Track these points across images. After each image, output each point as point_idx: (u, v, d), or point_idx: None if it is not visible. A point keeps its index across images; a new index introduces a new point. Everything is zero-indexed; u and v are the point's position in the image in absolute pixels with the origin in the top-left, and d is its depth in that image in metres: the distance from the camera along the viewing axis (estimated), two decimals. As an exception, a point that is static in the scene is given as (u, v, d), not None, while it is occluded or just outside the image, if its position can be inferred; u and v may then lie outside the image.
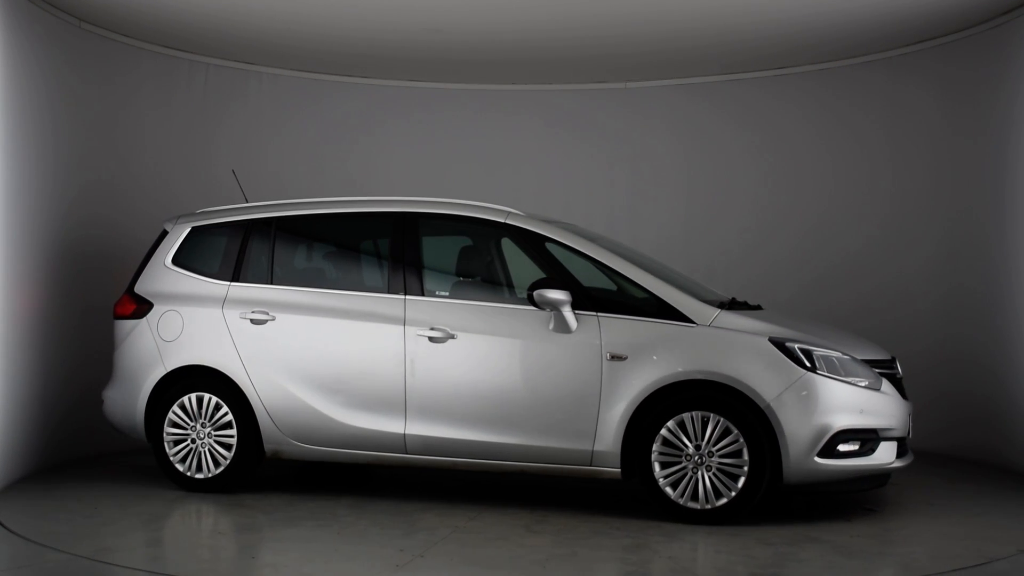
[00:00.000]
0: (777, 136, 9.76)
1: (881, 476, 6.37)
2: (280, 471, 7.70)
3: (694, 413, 6.08)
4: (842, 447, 6.04)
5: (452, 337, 6.50)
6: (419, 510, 6.42)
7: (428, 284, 6.72)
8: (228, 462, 6.88)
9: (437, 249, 7.00)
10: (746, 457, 5.99)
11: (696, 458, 6.06)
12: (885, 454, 6.20)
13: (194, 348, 7.01)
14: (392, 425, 6.58)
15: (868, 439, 6.14)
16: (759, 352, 6.10)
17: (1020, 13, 7.90)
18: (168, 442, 6.99)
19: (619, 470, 6.21)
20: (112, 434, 7.45)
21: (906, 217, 9.08)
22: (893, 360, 6.69)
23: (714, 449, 6.04)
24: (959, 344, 8.55)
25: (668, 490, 6.09)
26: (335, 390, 6.69)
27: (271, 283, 7.00)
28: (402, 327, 6.59)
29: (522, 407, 6.35)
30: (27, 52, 7.26)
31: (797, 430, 5.96)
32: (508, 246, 7.20)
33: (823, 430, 5.97)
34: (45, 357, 7.51)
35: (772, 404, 5.97)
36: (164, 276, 7.25)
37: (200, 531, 6.16)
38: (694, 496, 6.05)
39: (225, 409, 6.91)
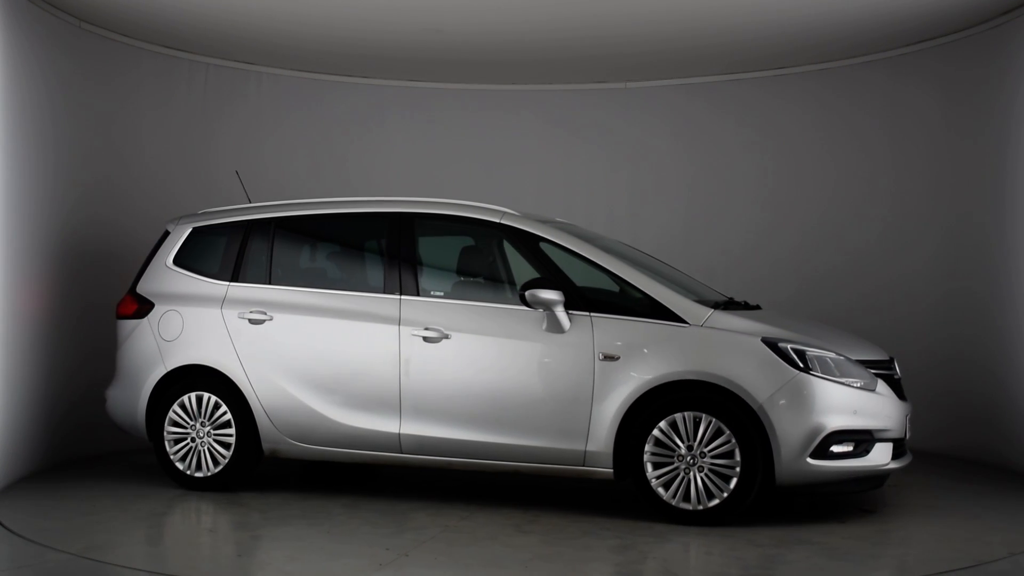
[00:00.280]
0: (777, 136, 9.73)
1: (877, 477, 6.31)
2: (284, 470, 7.75)
3: (686, 414, 6.06)
4: (835, 448, 6.00)
5: (446, 337, 6.52)
6: (412, 509, 6.44)
7: (423, 284, 6.74)
8: (227, 461, 6.93)
9: (433, 249, 7.02)
10: (738, 458, 5.96)
11: (688, 459, 6.04)
12: (880, 455, 6.14)
13: (194, 348, 7.07)
14: (387, 425, 6.61)
15: (863, 440, 6.09)
16: (751, 352, 6.07)
17: (1020, 13, 7.84)
18: (168, 441, 7.05)
19: (611, 470, 6.20)
20: (114, 433, 7.52)
21: (907, 217, 9.03)
22: (891, 361, 6.64)
23: (706, 450, 6.01)
24: (960, 344, 8.49)
25: (660, 491, 6.07)
26: (331, 390, 6.72)
27: (269, 283, 7.04)
28: (397, 327, 6.61)
29: (515, 407, 6.36)
30: (27, 52, 7.30)
31: (789, 431, 5.93)
32: (509, 246, 7.20)
33: (815, 431, 5.93)
34: (47, 356, 7.56)
35: (764, 405, 5.94)
36: (165, 276, 7.32)
37: (193, 529, 6.21)
38: (686, 497, 6.03)
39: (224, 408, 6.96)
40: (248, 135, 9.52)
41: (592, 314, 6.30)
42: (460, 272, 7.03)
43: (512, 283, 7.16)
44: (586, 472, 6.27)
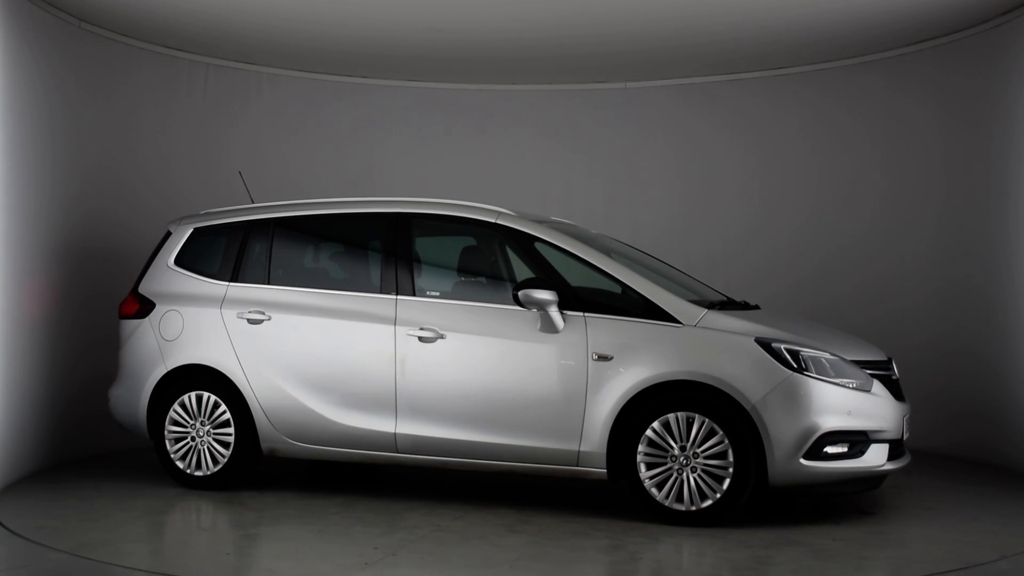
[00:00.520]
0: (778, 133, 9.71)
1: (874, 479, 6.27)
2: (285, 469, 7.79)
3: (679, 414, 6.05)
4: (829, 449, 5.96)
5: (441, 337, 6.53)
6: (407, 509, 6.46)
7: (420, 284, 6.75)
8: (226, 460, 6.97)
9: (430, 249, 7.03)
10: (731, 459, 5.94)
11: (681, 459, 6.02)
12: (876, 456, 6.10)
13: (194, 347, 7.12)
14: (383, 424, 6.63)
15: (857, 441, 6.05)
16: (745, 353, 6.04)
17: (1020, 13, 7.81)
18: (169, 440, 7.10)
19: (605, 471, 6.19)
20: (116, 431, 7.57)
21: (906, 210, 9.01)
22: (889, 361, 6.60)
23: (699, 450, 5.99)
24: (959, 337, 8.47)
25: (654, 491, 6.06)
26: (328, 389, 6.75)
27: (268, 283, 7.08)
28: (393, 327, 6.63)
29: (509, 407, 6.36)
30: (27, 52, 7.32)
31: (782, 431, 5.90)
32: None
33: (809, 431, 5.90)
34: (49, 356, 7.62)
35: (757, 405, 5.91)
36: (167, 276, 7.37)
37: (186, 528, 6.25)
38: (679, 498, 6.01)
39: (223, 408, 7.00)
40: (248, 135, 9.54)
41: (586, 314, 6.30)
42: (460, 272, 7.03)
43: (512, 283, 7.16)
44: (580, 472, 6.26)
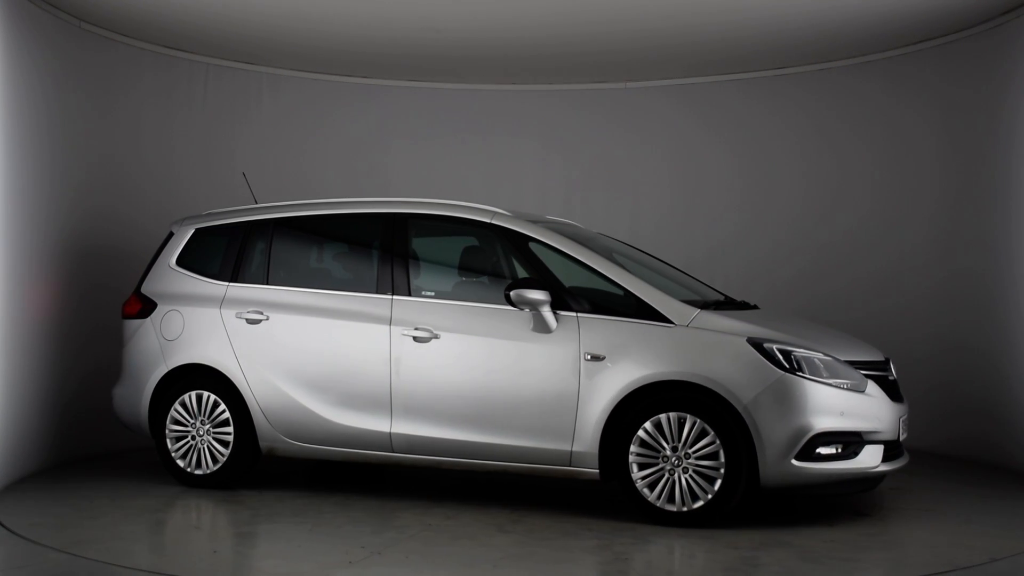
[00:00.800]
0: (775, 131, 9.71)
1: (869, 480, 6.22)
2: (287, 468, 7.84)
3: (671, 414, 6.02)
4: (822, 450, 5.92)
5: (436, 337, 6.54)
6: (401, 508, 6.48)
7: (415, 284, 6.77)
8: (225, 459, 7.03)
9: (426, 249, 7.05)
10: (722, 459, 5.91)
11: (673, 460, 6.00)
12: (870, 458, 6.05)
13: (194, 347, 7.18)
14: (378, 424, 6.65)
15: (851, 442, 6.00)
16: (736, 353, 6.01)
17: (1020, 13, 7.78)
18: (170, 438, 7.16)
19: (597, 471, 6.18)
20: (120, 429, 7.64)
21: (905, 207, 8.99)
22: (886, 362, 6.55)
23: (691, 451, 5.97)
24: (958, 332, 8.44)
25: (645, 492, 6.04)
26: (325, 389, 6.78)
27: (267, 283, 7.13)
28: (388, 327, 6.65)
29: (502, 407, 6.36)
30: (27, 52, 7.34)
31: (774, 432, 5.86)
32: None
33: (800, 432, 5.86)
34: (50, 355, 7.68)
35: (748, 405, 5.88)
36: (168, 277, 7.44)
37: (179, 526, 6.28)
38: (671, 498, 5.99)
39: (223, 407, 7.05)
40: (249, 135, 9.57)
41: (579, 314, 6.29)
42: (458, 271, 7.04)
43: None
44: (572, 472, 6.25)
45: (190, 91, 9.21)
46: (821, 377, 5.98)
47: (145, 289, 7.49)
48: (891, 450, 6.22)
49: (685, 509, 5.97)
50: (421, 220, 6.96)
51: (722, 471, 5.91)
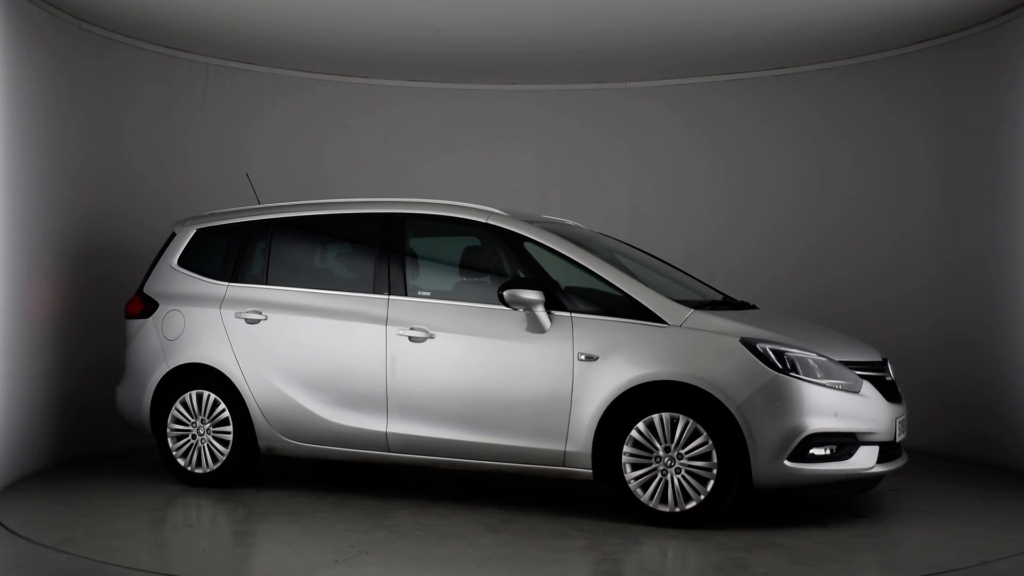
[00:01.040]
0: (775, 130, 9.70)
1: (865, 481, 6.17)
2: (294, 467, 7.88)
3: (664, 414, 6.01)
4: (815, 451, 5.88)
5: (431, 337, 6.56)
6: (396, 507, 6.49)
7: (412, 284, 6.78)
8: (225, 458, 7.07)
9: (422, 249, 7.06)
10: (715, 460, 5.89)
11: (666, 460, 5.98)
12: (864, 459, 6.00)
13: (194, 347, 7.23)
14: (374, 423, 6.67)
15: (845, 443, 5.96)
16: (729, 353, 5.99)
17: (1020, 13, 7.73)
18: (171, 437, 7.22)
19: (591, 471, 6.16)
20: (121, 428, 7.70)
21: (905, 205, 8.95)
22: (884, 362, 6.50)
23: (683, 451, 5.95)
24: (957, 325, 8.42)
25: (639, 492, 6.02)
26: (322, 388, 6.81)
27: (266, 283, 7.16)
28: (384, 327, 6.67)
29: (497, 407, 6.36)
30: (27, 52, 7.37)
31: (766, 433, 5.83)
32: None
33: (793, 433, 5.83)
34: (52, 353, 7.74)
35: (741, 406, 5.85)
36: (170, 277, 7.50)
37: (173, 525, 6.32)
38: (664, 499, 5.97)
39: (223, 406, 7.10)
40: (248, 135, 9.58)
41: (573, 314, 6.28)
42: (455, 271, 7.05)
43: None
44: (566, 473, 6.25)
45: (190, 91, 9.24)
46: (815, 378, 5.94)
47: (147, 289, 7.56)
48: (887, 451, 6.18)
49: (678, 510, 5.95)
50: (418, 220, 6.97)
51: (715, 472, 5.89)
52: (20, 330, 7.27)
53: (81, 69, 8.19)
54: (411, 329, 6.59)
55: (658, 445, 6.00)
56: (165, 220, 8.04)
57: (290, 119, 9.79)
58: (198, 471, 7.13)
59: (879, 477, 6.23)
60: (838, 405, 5.95)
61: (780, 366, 5.92)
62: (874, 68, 9.12)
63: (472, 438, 6.42)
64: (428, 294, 6.75)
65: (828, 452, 5.92)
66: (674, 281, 7.08)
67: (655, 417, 6.01)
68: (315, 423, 6.82)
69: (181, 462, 7.18)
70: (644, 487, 6.02)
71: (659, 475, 6.00)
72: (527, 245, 6.59)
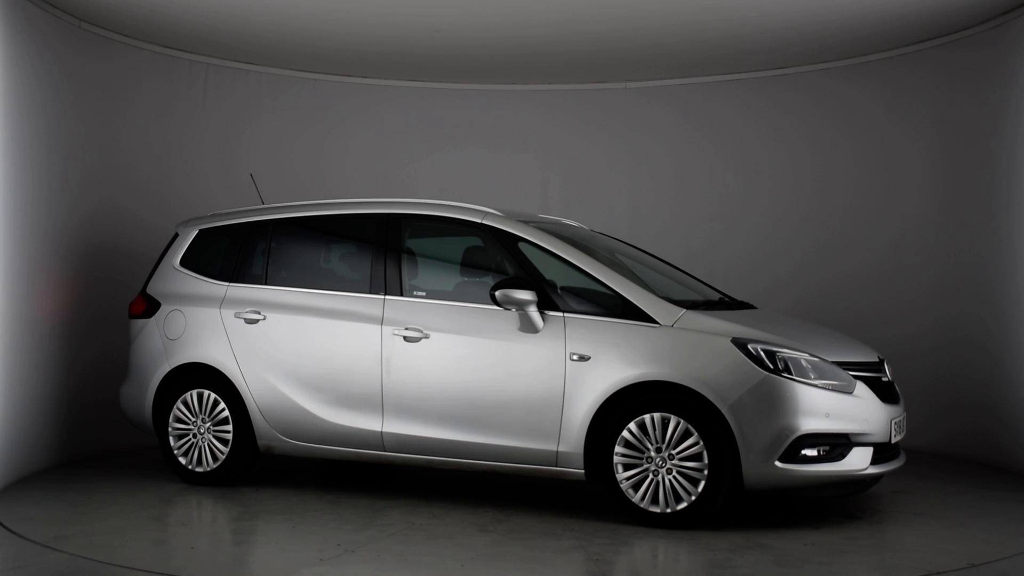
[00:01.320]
0: (774, 129, 9.67)
1: (859, 482, 6.12)
2: (297, 466, 7.92)
3: (655, 415, 5.99)
4: (807, 452, 5.84)
5: (425, 337, 6.57)
6: (390, 507, 6.52)
7: (407, 284, 6.81)
8: (225, 457, 7.12)
9: (418, 249, 7.07)
10: (706, 460, 5.86)
11: (657, 460, 5.96)
12: (858, 460, 5.96)
13: (195, 346, 7.29)
14: (370, 423, 6.70)
15: (838, 444, 5.91)
16: (720, 353, 5.96)
17: (1020, 13, 7.67)
18: (172, 436, 7.28)
19: (583, 471, 6.16)
20: (125, 427, 7.78)
21: (904, 204, 8.90)
22: (880, 363, 6.44)
23: (674, 452, 5.93)
24: (958, 325, 8.36)
25: (630, 493, 6.01)
26: (320, 388, 6.85)
27: (265, 284, 7.21)
28: (380, 327, 6.69)
29: (490, 407, 6.37)
30: (27, 52, 7.42)
31: (757, 433, 5.80)
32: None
33: (784, 434, 5.79)
34: (53, 355, 7.80)
35: (732, 406, 5.83)
36: (172, 277, 7.57)
37: (167, 523, 6.33)
38: (655, 499, 5.96)
39: (223, 405, 7.15)
40: (248, 135, 9.61)
41: (565, 314, 6.28)
42: (451, 271, 7.06)
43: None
44: (558, 473, 6.24)
45: (190, 91, 9.25)
46: (807, 378, 5.90)
47: (150, 289, 7.63)
48: (882, 452, 6.12)
49: (669, 510, 5.93)
50: (414, 220, 6.99)
51: (705, 472, 5.86)
52: (23, 330, 7.33)
53: (81, 69, 8.23)
54: (406, 329, 6.61)
55: (649, 445, 5.98)
56: (165, 220, 8.10)
57: (289, 119, 9.82)
58: (199, 470, 7.19)
59: (874, 478, 6.18)
60: (830, 406, 5.91)
61: (772, 366, 5.88)
62: (874, 68, 9.09)
63: (465, 438, 6.43)
64: (424, 294, 6.77)
65: (820, 453, 5.88)
66: (674, 281, 7.07)
67: (647, 417, 6.00)
68: (312, 423, 6.85)
69: (182, 461, 7.25)
70: (635, 487, 6.01)
71: (650, 476, 5.98)
72: (521, 245, 6.59)
